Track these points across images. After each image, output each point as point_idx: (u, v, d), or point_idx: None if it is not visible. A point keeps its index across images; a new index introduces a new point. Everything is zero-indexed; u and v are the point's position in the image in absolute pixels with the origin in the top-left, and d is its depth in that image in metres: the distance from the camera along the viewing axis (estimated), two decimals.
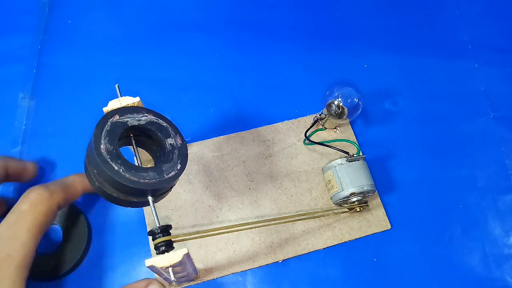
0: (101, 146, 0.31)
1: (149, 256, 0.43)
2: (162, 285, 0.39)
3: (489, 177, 0.48)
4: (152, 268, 0.31)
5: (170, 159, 0.33)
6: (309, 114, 0.50)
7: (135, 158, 0.37)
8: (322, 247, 0.44)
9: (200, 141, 0.48)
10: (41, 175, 0.46)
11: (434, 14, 0.58)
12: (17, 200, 0.36)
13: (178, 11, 0.57)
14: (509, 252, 0.45)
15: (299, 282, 0.43)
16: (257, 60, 0.54)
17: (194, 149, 0.48)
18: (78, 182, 0.41)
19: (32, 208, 0.35)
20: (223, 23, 0.56)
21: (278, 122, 0.50)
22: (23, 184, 0.45)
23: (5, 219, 0.35)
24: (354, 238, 0.44)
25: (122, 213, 0.45)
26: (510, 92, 0.53)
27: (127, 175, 0.30)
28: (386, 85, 0.53)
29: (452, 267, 0.44)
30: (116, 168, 0.30)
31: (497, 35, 0.57)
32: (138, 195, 0.32)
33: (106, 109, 0.34)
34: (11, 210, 0.36)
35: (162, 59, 0.53)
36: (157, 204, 0.44)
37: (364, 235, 0.44)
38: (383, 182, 0.47)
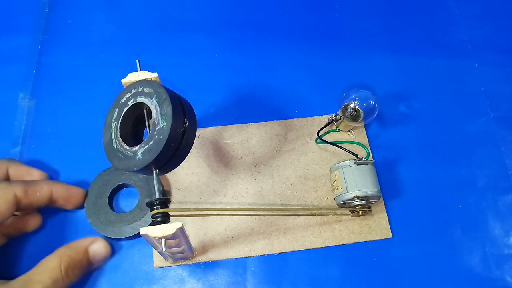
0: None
1: (150, 257, 0.43)
2: (107, 243, 0.41)
3: (489, 177, 0.48)
4: (146, 237, 0.32)
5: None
6: (321, 115, 0.50)
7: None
8: (320, 246, 0.44)
9: (214, 127, 0.49)
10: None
11: (434, 14, 0.58)
12: None
13: (178, 11, 0.57)
14: (509, 252, 0.45)
15: (299, 282, 0.43)
16: (257, 60, 0.54)
17: (208, 134, 0.48)
18: (46, 184, 0.41)
19: None
20: (223, 23, 0.56)
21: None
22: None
23: None
24: (353, 242, 0.44)
25: None
26: (510, 92, 0.53)
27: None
28: (386, 85, 0.53)
29: (452, 267, 0.44)
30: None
31: (497, 35, 0.57)
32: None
33: (124, 81, 0.35)
34: None
35: (162, 59, 0.53)
36: (164, 182, 0.46)
37: (364, 241, 0.44)
38: (389, 185, 0.47)
